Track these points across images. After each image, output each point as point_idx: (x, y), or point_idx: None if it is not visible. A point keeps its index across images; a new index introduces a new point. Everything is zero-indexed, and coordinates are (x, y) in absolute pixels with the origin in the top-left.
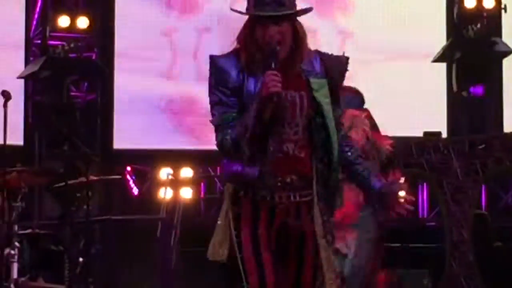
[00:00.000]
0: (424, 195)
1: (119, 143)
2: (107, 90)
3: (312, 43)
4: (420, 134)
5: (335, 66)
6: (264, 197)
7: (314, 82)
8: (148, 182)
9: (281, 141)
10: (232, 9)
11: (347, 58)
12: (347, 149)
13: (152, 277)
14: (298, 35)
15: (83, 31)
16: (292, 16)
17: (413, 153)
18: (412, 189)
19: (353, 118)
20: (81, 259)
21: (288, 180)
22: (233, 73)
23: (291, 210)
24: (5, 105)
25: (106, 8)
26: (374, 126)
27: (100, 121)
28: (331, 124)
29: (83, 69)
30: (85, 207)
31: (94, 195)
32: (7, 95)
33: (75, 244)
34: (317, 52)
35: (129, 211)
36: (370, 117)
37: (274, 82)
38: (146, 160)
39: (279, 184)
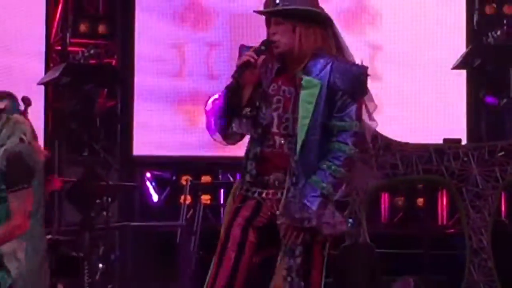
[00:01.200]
0: (443, 202)
1: (138, 150)
2: (127, 96)
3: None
4: (440, 141)
5: (346, 75)
6: (254, 193)
7: (306, 80)
8: (167, 188)
9: (269, 133)
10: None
11: (365, 68)
12: (329, 161)
13: (171, 284)
14: (297, 37)
15: (104, 37)
16: (293, 17)
17: (433, 160)
18: (432, 196)
19: (15, 124)
20: (100, 266)
21: (273, 177)
22: None
23: (276, 207)
24: (25, 112)
25: (127, 14)
26: (33, 133)
27: (120, 128)
28: (302, 122)
29: (103, 76)
30: (104, 213)
31: (113, 202)
32: (27, 101)
33: (95, 251)
34: (334, 58)
35: (148, 217)
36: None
37: (249, 55)
38: (165, 167)
39: (265, 180)
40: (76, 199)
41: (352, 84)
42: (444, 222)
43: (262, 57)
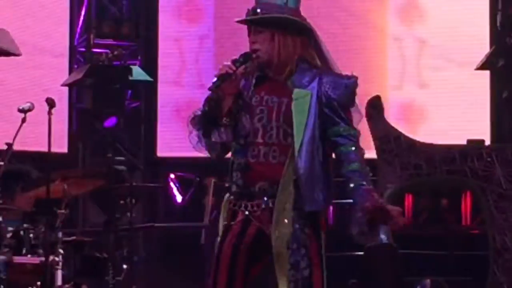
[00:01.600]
0: (467, 202)
1: (162, 151)
2: (151, 97)
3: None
4: (464, 142)
5: (337, 86)
6: (240, 206)
7: (296, 92)
8: (191, 189)
9: (253, 143)
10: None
11: (355, 78)
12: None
13: (195, 284)
14: (276, 45)
15: (127, 38)
16: (271, 26)
17: (457, 160)
18: (456, 196)
19: None
20: (124, 266)
21: (258, 186)
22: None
23: (264, 218)
24: (49, 113)
25: (150, 15)
26: None
27: (144, 129)
28: (297, 129)
29: (127, 77)
30: (128, 214)
31: (137, 203)
32: (51, 103)
33: (119, 252)
34: (320, 71)
35: (172, 218)
36: None
37: (227, 67)
38: (189, 168)
39: (251, 191)
40: (100, 200)
41: (345, 95)
42: (468, 223)
43: (241, 68)
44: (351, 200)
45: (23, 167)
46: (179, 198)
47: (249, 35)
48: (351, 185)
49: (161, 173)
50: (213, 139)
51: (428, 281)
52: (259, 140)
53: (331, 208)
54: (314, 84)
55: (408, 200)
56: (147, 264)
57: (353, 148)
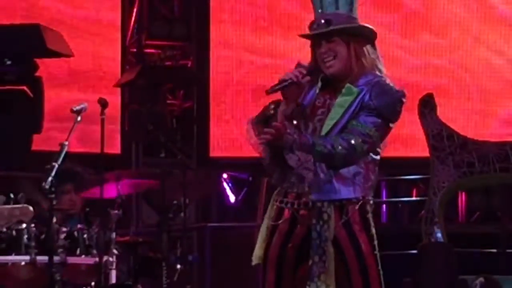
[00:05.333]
0: None
1: (215, 151)
2: (203, 97)
3: None
4: None
5: (383, 95)
6: (286, 204)
7: (347, 87)
8: (244, 189)
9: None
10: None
11: (401, 93)
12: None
13: (249, 284)
14: (353, 55)
15: (179, 38)
16: (344, 35)
17: (510, 158)
18: (509, 194)
19: None
20: (178, 266)
21: (307, 185)
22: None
23: (311, 216)
24: (102, 113)
25: (202, 15)
26: None
27: (197, 129)
28: (328, 122)
29: (179, 77)
30: (182, 214)
31: (191, 203)
32: (104, 103)
33: (173, 252)
34: (379, 77)
35: (225, 218)
36: None
37: (294, 75)
38: (242, 168)
39: (300, 189)
40: (153, 201)
41: (384, 104)
42: None
43: (307, 78)
44: (403, 199)
45: (75, 167)
46: (232, 198)
47: (313, 46)
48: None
49: (214, 173)
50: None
51: (481, 279)
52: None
53: (384, 206)
54: (368, 86)
55: (461, 198)
56: (201, 264)
57: (352, 137)
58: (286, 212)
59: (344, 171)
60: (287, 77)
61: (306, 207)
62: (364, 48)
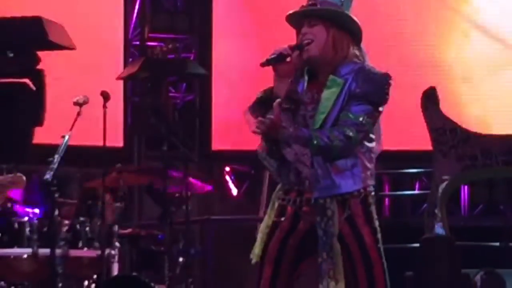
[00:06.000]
0: None
1: (217, 144)
2: (205, 90)
3: None
4: None
5: (368, 80)
6: (289, 201)
7: (331, 78)
8: (247, 182)
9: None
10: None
11: (388, 76)
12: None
13: (252, 277)
14: (330, 40)
15: (182, 31)
16: (327, 21)
17: None
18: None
19: None
20: (181, 260)
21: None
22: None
23: (314, 212)
24: (104, 106)
25: (205, 8)
26: None
27: (199, 122)
28: (318, 117)
29: (181, 70)
30: (184, 207)
31: (193, 196)
32: (106, 96)
33: (175, 245)
34: (361, 64)
35: (228, 211)
36: None
37: (283, 49)
38: (245, 161)
39: (301, 186)
40: (156, 194)
41: (372, 89)
42: None
43: (297, 52)
44: (406, 192)
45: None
46: (234, 191)
47: (298, 30)
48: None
49: (216, 166)
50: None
51: (484, 273)
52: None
53: (386, 200)
54: (351, 74)
55: (464, 191)
56: (203, 257)
57: (347, 129)
58: (289, 209)
59: (341, 163)
60: (278, 51)
61: (308, 204)
62: (345, 39)
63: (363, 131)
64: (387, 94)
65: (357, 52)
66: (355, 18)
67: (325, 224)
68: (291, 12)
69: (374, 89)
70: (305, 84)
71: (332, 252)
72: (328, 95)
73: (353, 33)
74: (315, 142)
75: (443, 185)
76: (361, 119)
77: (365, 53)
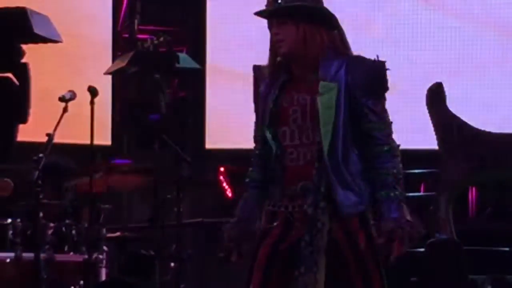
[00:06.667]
0: None
1: (211, 143)
2: (199, 86)
3: None
4: None
5: (364, 71)
6: (279, 207)
7: (321, 84)
8: (242, 183)
9: (290, 146)
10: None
11: (382, 63)
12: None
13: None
14: (301, 36)
15: (174, 24)
16: (296, 16)
17: None
18: None
19: None
20: (172, 264)
21: (299, 186)
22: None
23: (306, 219)
24: (91, 102)
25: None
26: None
27: (192, 119)
28: (325, 129)
29: (173, 64)
30: (176, 209)
31: (185, 197)
32: (93, 91)
33: (166, 248)
34: (347, 57)
35: (222, 213)
36: None
37: None
38: (240, 161)
39: (292, 192)
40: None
41: (372, 80)
42: None
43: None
44: (411, 194)
45: (61, 160)
46: (229, 192)
47: (270, 28)
48: (382, 192)
49: (210, 166)
50: None
51: (493, 279)
52: (296, 142)
53: None
54: (342, 72)
55: (472, 193)
56: (196, 261)
57: (386, 149)
58: (280, 214)
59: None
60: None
61: (301, 209)
62: (317, 33)
63: (391, 125)
64: (387, 80)
65: (337, 42)
66: (323, 6)
67: (312, 237)
68: (256, 12)
69: (377, 82)
70: (277, 90)
71: (316, 267)
72: (327, 103)
73: (325, 22)
74: (396, 193)
75: (450, 186)
76: (384, 119)
77: (345, 39)
